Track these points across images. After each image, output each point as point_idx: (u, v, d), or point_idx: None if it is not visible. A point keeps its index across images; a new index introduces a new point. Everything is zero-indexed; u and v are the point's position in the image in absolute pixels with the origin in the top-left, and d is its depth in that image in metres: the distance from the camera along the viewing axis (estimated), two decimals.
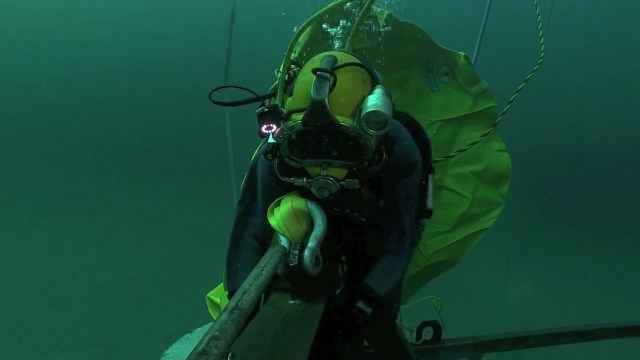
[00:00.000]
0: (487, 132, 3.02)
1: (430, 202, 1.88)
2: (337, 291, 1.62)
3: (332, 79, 1.40)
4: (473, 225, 3.17)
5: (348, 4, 2.50)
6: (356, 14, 2.76)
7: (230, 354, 0.92)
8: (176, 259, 7.71)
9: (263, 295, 1.44)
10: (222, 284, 2.53)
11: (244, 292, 1.04)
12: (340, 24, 2.68)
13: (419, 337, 2.17)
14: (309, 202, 1.59)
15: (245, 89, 1.54)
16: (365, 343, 1.86)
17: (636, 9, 15.28)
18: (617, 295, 7.75)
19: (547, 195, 12.51)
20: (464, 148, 2.97)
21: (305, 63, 1.59)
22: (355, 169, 1.52)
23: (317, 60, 1.50)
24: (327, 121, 1.39)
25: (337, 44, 2.62)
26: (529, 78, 3.05)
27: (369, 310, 1.54)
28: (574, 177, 14.12)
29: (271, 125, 1.45)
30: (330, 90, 1.39)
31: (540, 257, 9.24)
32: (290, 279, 1.50)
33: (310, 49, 2.65)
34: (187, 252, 7.89)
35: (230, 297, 1.81)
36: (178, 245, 8.27)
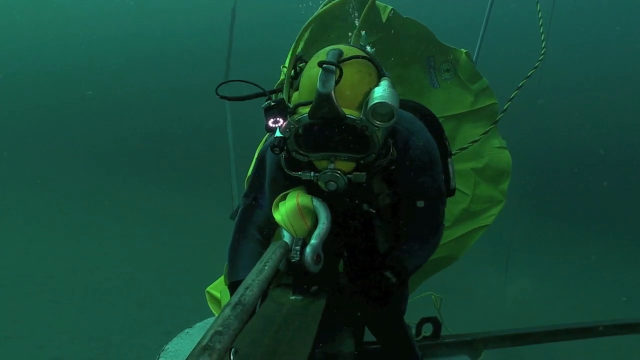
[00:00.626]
0: (487, 129, 3.02)
1: (453, 182, 1.94)
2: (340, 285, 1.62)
3: (337, 71, 1.40)
4: (473, 222, 3.17)
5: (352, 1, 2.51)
6: (355, 15, 2.76)
7: (233, 349, 0.92)
8: (175, 254, 7.72)
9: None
10: (221, 278, 2.53)
11: (247, 288, 1.04)
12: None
13: (418, 333, 2.18)
14: (314, 199, 1.59)
15: (252, 83, 1.54)
16: (368, 339, 1.87)
17: (637, 5, 15.27)
18: (616, 292, 7.77)
19: (546, 192, 12.52)
20: (465, 146, 2.97)
21: (310, 58, 1.59)
22: (362, 162, 1.52)
23: (322, 54, 1.49)
24: (333, 114, 1.40)
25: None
26: (530, 75, 3.05)
27: (394, 279, 1.62)
28: (573, 174, 14.14)
29: (278, 119, 1.45)
30: (337, 83, 1.39)
31: (540, 254, 9.26)
32: (292, 274, 1.50)
33: (314, 44, 2.63)
34: (186, 248, 7.90)
35: (231, 288, 1.82)
36: (177, 241, 8.28)
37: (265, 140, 2.06)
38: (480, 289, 7.22)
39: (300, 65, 1.65)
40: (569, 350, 3.92)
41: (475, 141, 2.98)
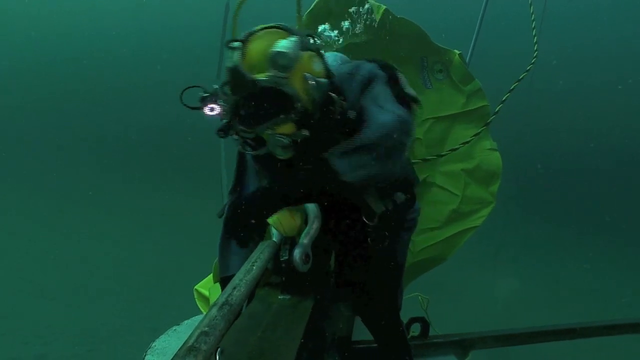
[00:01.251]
0: (478, 132, 3.03)
1: (410, 90, 1.78)
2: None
3: (241, 44, 1.48)
4: (462, 223, 3.18)
5: None
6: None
7: (219, 349, 0.91)
8: (164, 251, 7.68)
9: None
10: (210, 276, 2.51)
11: (234, 288, 1.03)
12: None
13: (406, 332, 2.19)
14: None
15: (199, 86, 1.55)
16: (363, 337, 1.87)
17: (631, 8, 15.45)
18: (603, 293, 7.86)
19: (534, 193, 12.63)
20: (455, 147, 2.98)
21: None
22: (296, 119, 1.52)
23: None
24: (247, 84, 1.44)
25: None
26: (522, 78, 3.07)
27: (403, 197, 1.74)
28: (561, 175, 14.28)
29: (212, 106, 1.51)
30: (243, 56, 1.46)
31: (528, 255, 9.34)
32: (280, 274, 1.50)
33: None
34: (174, 245, 7.86)
35: (222, 283, 1.81)
36: (166, 238, 8.24)
37: None
38: (469, 289, 7.27)
39: None
40: (555, 351, 3.96)
41: (466, 143, 3.00)
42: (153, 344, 2.34)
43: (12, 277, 6.50)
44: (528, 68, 3.06)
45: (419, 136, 3.09)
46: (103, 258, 7.40)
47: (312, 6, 2.67)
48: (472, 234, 3.17)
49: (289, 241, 1.48)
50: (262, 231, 1.68)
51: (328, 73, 1.60)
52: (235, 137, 1.59)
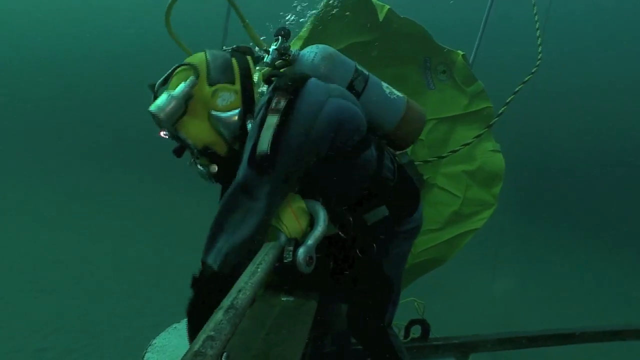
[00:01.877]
0: (480, 133, 3.01)
1: (263, 144, 1.45)
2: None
3: (153, 97, 1.62)
4: (463, 224, 3.17)
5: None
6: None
7: (225, 354, 0.91)
8: (162, 248, 7.68)
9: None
10: None
11: (239, 291, 1.02)
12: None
13: (406, 335, 2.19)
14: (310, 201, 1.59)
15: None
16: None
17: (635, 9, 15.42)
18: (604, 297, 7.87)
19: (534, 194, 12.64)
20: (456, 149, 2.97)
21: None
22: (202, 156, 1.65)
23: None
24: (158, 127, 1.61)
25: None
26: (527, 80, 3.05)
27: None
28: (561, 177, 14.29)
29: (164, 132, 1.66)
30: (154, 99, 1.59)
31: (528, 257, 9.34)
32: (284, 275, 1.49)
33: (312, 41, 2.61)
34: (173, 243, 7.85)
35: None
36: (165, 235, 8.23)
37: None
38: (468, 291, 7.28)
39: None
40: (555, 355, 3.96)
41: (467, 144, 2.98)
42: (153, 342, 2.34)
43: (12, 272, 6.49)
44: (533, 70, 3.04)
45: (421, 137, 3.08)
46: (103, 255, 7.41)
47: (320, 7, 2.66)
48: (472, 236, 3.17)
49: (293, 243, 1.48)
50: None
51: (247, 97, 1.64)
52: (177, 156, 1.76)
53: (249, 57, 1.76)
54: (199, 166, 1.67)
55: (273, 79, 1.66)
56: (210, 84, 1.61)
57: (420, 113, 2.01)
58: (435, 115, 3.11)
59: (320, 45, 1.87)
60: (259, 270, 1.12)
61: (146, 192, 10.72)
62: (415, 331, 2.21)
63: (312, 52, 1.83)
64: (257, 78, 1.71)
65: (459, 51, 2.98)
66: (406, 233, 1.92)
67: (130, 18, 19.68)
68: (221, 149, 1.64)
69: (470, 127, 3.14)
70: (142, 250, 7.63)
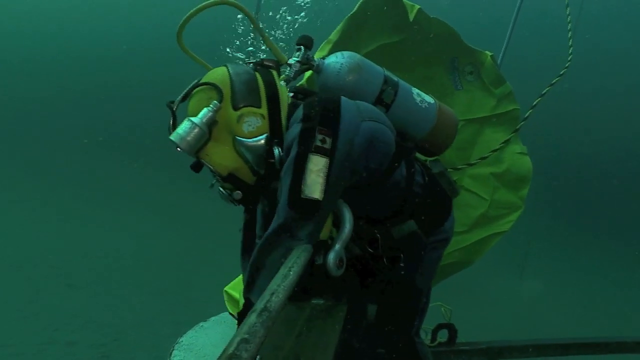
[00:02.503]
0: (507, 138, 2.98)
1: (310, 189, 1.35)
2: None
3: (172, 115, 1.56)
4: (490, 227, 3.13)
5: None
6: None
7: (258, 357, 0.92)
8: (189, 246, 7.78)
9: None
10: (240, 277, 2.52)
11: (272, 293, 1.03)
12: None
13: (433, 339, 2.17)
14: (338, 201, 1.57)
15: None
16: None
17: None
18: (636, 304, 7.60)
19: (566, 199, 12.33)
20: (485, 155, 2.94)
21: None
22: (227, 181, 1.58)
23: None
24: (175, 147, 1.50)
25: None
26: (554, 83, 2.99)
27: None
28: (592, 181, 13.89)
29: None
30: (174, 125, 1.53)
31: (557, 262, 9.11)
32: (314, 278, 1.49)
33: (347, 42, 2.60)
34: (200, 240, 7.95)
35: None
36: (192, 232, 8.33)
37: None
38: (495, 294, 7.14)
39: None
40: None
41: (495, 150, 2.95)
42: (180, 340, 2.38)
43: (42, 264, 6.69)
44: (562, 72, 2.98)
45: None
46: (130, 250, 7.55)
47: (353, 10, 2.65)
48: (499, 238, 3.13)
49: (322, 245, 1.48)
50: None
51: (275, 122, 1.54)
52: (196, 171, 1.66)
53: (274, 73, 1.64)
54: (221, 189, 1.60)
55: (299, 99, 1.61)
56: (235, 108, 1.51)
57: (452, 118, 1.95)
58: (463, 117, 3.08)
59: (346, 54, 1.78)
60: (291, 273, 1.13)
61: (177, 190, 10.86)
62: (442, 335, 2.19)
63: (337, 63, 1.73)
64: (283, 99, 1.59)
65: (488, 52, 2.94)
66: (435, 243, 1.87)
67: (141, 8, 19.96)
68: (246, 175, 1.55)
69: (498, 129, 3.11)
70: (170, 247, 7.74)
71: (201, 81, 1.54)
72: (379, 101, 1.74)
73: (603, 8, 13.45)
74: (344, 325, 1.36)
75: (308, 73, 2.13)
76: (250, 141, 1.50)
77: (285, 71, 1.73)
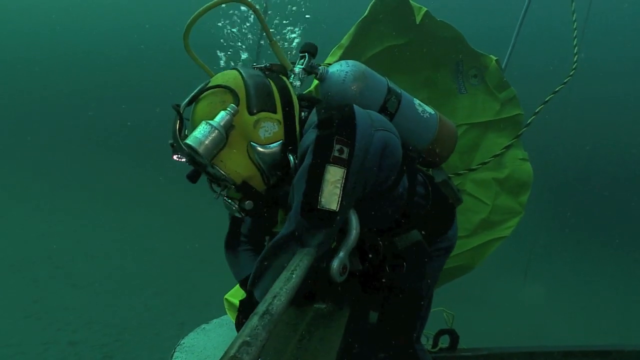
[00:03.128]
0: (509, 143, 2.99)
1: (327, 200, 1.34)
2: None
3: (177, 118, 1.43)
4: (491, 232, 3.14)
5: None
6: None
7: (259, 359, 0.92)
8: (192, 247, 7.78)
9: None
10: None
11: (274, 297, 1.03)
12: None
13: (435, 344, 2.17)
14: None
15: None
16: None
17: None
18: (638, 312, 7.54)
19: (565, 204, 12.29)
20: (487, 161, 2.95)
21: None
22: (238, 190, 1.49)
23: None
24: (183, 152, 1.42)
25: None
26: (558, 90, 3.00)
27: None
28: (596, 185, 13.84)
29: (178, 155, 1.48)
30: (179, 129, 1.42)
31: (560, 268, 9.07)
32: (316, 283, 1.49)
33: (354, 47, 2.61)
34: (203, 241, 7.94)
35: (242, 286, 1.82)
36: (195, 233, 8.33)
37: None
38: (497, 300, 7.10)
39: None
40: None
41: (497, 155, 2.96)
42: (182, 341, 2.38)
43: (46, 264, 6.72)
44: (566, 80, 2.98)
45: None
46: (132, 250, 7.57)
47: (365, 12, 2.66)
48: (500, 243, 3.13)
49: (326, 250, 1.47)
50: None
51: (290, 128, 1.47)
52: (192, 181, 1.57)
53: (285, 79, 1.59)
54: (228, 200, 1.50)
55: (302, 106, 1.57)
56: (251, 113, 1.44)
57: (452, 130, 1.95)
58: (466, 121, 3.09)
59: (351, 62, 1.77)
60: (293, 276, 1.13)
61: (180, 189, 10.88)
62: (444, 341, 2.19)
63: (342, 72, 1.72)
64: (296, 105, 1.54)
65: (492, 56, 2.95)
66: (439, 251, 1.87)
67: (144, 6, 20.00)
68: (258, 183, 1.49)
69: (501, 133, 3.12)
70: (173, 248, 7.76)
71: (212, 84, 1.47)
72: (383, 110, 1.72)
73: (610, 14, 13.43)
74: (346, 330, 1.36)
75: (316, 81, 2.13)
76: (266, 148, 1.44)
77: (290, 78, 1.69)
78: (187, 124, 1.50)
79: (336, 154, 1.34)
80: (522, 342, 2.45)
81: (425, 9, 2.71)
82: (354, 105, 1.50)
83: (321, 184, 1.32)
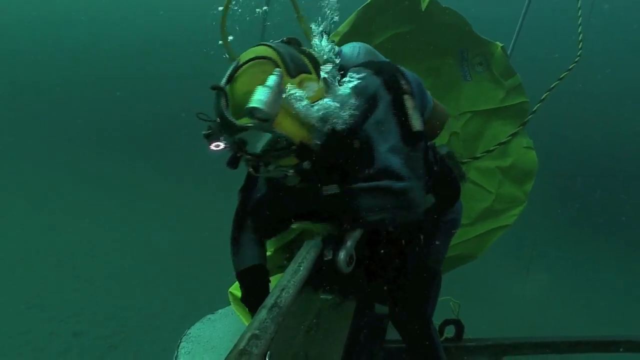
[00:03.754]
0: (514, 131, 2.97)
1: (416, 123, 1.54)
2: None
3: (220, 98, 1.43)
4: (494, 221, 3.14)
5: None
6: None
7: (268, 352, 0.91)
8: (194, 239, 7.78)
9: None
10: None
11: (283, 289, 1.02)
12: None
13: (440, 334, 2.17)
14: None
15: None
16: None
17: None
18: None
19: (572, 195, 12.24)
20: (491, 149, 2.94)
21: None
22: (296, 153, 1.48)
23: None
24: (235, 128, 1.40)
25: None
26: (563, 77, 2.97)
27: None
28: (600, 179, 13.78)
29: (217, 143, 1.47)
30: (227, 104, 1.42)
31: (564, 258, 9.08)
32: (323, 274, 1.48)
33: (356, 35, 2.58)
34: (205, 234, 7.94)
35: (239, 277, 1.77)
36: (196, 226, 8.33)
37: None
38: (502, 291, 7.12)
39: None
40: None
41: (502, 143, 2.94)
42: (188, 331, 2.39)
43: (49, 257, 6.74)
44: (571, 67, 2.95)
45: (457, 130, 3.04)
46: (135, 243, 7.58)
47: (368, 0, 2.62)
48: (503, 232, 3.12)
49: (332, 240, 1.46)
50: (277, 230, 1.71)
51: (330, 87, 1.53)
52: (233, 167, 1.54)
53: (305, 48, 1.64)
54: (280, 168, 1.50)
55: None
56: (292, 76, 1.47)
57: (442, 107, 2.03)
58: (471, 108, 3.07)
59: (359, 43, 1.83)
60: (301, 268, 1.12)
61: (181, 184, 10.87)
62: (449, 331, 2.19)
63: (355, 47, 1.80)
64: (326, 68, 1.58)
65: (498, 43, 2.91)
66: (447, 223, 1.94)
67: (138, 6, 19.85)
68: (313, 143, 1.51)
69: (506, 121, 3.10)
70: (175, 241, 7.75)
71: (243, 60, 1.47)
72: None
73: (616, 4, 13.24)
74: (353, 321, 1.35)
75: None
76: (314, 105, 1.47)
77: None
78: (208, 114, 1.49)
79: (405, 87, 1.57)
80: (527, 332, 2.45)
81: None
82: None
83: (407, 111, 1.52)
